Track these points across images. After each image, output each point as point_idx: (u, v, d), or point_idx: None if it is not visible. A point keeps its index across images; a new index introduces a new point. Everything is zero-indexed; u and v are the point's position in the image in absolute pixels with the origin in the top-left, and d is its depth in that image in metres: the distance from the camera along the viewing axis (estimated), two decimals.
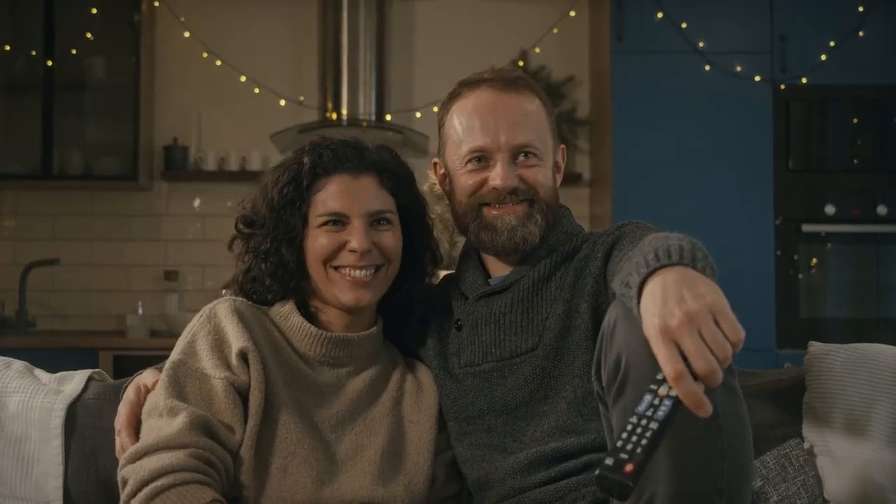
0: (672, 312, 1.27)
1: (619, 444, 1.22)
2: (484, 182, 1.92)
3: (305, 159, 1.90)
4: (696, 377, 1.23)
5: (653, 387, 1.27)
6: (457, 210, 2.00)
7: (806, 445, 1.98)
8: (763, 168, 4.80)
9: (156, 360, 1.98)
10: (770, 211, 4.79)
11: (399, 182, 1.96)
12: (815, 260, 4.85)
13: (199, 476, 1.63)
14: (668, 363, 1.24)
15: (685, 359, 1.24)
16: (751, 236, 4.77)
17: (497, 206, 1.91)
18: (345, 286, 1.87)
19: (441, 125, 2.03)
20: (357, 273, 1.86)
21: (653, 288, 1.36)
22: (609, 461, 1.20)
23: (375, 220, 1.90)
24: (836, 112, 4.85)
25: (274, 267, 1.89)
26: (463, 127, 1.94)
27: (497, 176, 1.90)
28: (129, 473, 1.64)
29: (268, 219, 1.89)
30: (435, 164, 2.09)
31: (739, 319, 1.27)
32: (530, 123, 1.92)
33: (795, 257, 4.80)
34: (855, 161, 4.82)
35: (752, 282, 4.71)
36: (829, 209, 4.76)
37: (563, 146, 2.05)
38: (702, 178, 4.81)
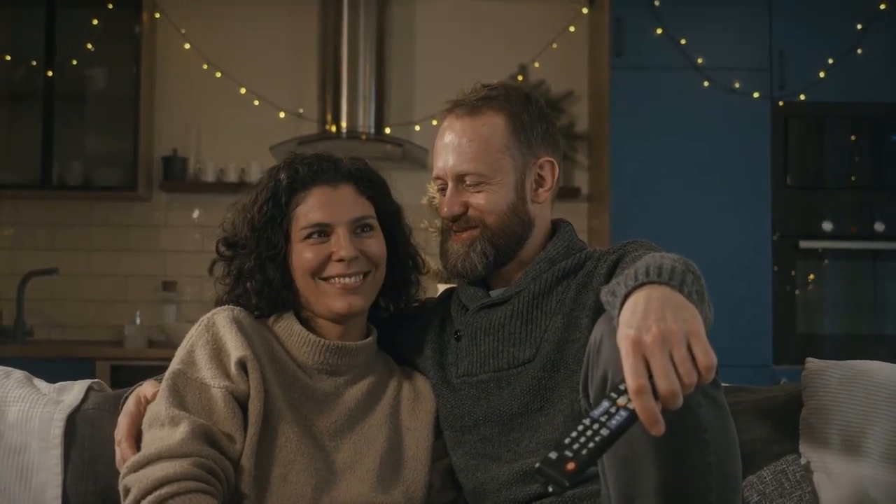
0: (649, 328, 1.29)
1: (568, 441, 1.23)
2: None
3: (282, 175, 1.92)
4: (657, 396, 1.25)
5: (612, 395, 1.29)
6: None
7: (803, 461, 1.98)
8: (761, 184, 4.80)
9: (153, 371, 1.98)
10: (768, 227, 4.79)
11: (376, 189, 1.99)
12: (812, 276, 4.85)
13: (202, 485, 1.64)
14: (632, 375, 1.26)
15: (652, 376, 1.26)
16: (748, 252, 4.78)
17: (452, 232, 1.96)
18: (335, 294, 1.89)
19: None
20: (347, 280, 1.89)
21: (636, 300, 1.37)
22: (553, 455, 1.22)
23: (359, 228, 1.92)
24: (834, 129, 4.86)
25: (259, 285, 1.90)
26: (433, 153, 2.00)
27: (443, 203, 1.95)
28: (132, 482, 1.65)
29: (250, 238, 1.90)
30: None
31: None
32: (474, 149, 1.92)
33: (793, 273, 4.80)
34: (853, 178, 4.83)
35: (750, 297, 4.71)
36: (827, 226, 4.77)
37: (549, 159, 2.00)
38: (700, 193, 4.82)
